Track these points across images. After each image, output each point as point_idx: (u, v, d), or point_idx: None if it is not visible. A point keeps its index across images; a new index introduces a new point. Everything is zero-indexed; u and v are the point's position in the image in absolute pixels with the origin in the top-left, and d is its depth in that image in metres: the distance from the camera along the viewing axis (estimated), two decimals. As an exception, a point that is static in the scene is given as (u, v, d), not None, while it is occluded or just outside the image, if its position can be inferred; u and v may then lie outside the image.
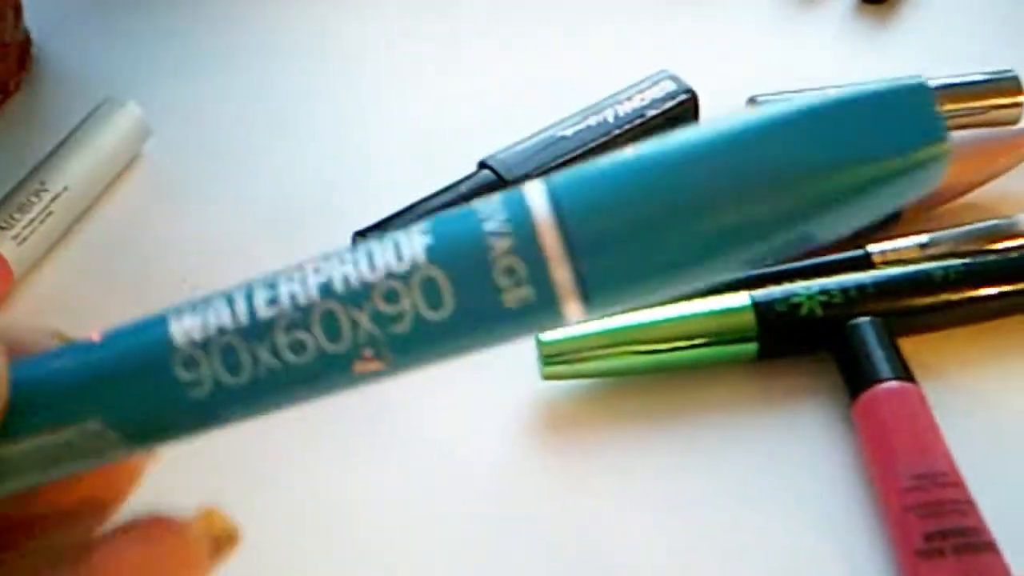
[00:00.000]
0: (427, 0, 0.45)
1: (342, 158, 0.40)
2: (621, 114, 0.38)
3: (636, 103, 0.38)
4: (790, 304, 0.31)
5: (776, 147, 0.16)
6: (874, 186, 0.16)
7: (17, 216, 0.36)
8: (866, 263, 0.33)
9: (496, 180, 0.36)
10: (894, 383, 0.30)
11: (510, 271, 0.16)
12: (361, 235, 0.35)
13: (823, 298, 0.31)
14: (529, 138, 0.38)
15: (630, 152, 0.17)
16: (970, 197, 0.36)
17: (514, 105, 0.40)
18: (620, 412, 0.32)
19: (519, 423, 0.32)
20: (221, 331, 0.17)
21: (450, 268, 0.17)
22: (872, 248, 0.33)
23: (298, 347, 0.17)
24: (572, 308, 0.17)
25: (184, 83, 0.43)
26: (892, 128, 0.16)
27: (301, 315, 0.16)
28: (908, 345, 0.31)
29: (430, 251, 0.17)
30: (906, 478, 0.28)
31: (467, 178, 0.37)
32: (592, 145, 0.37)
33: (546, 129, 0.38)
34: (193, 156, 0.41)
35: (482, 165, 0.37)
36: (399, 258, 0.17)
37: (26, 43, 0.44)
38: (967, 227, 0.34)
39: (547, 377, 0.32)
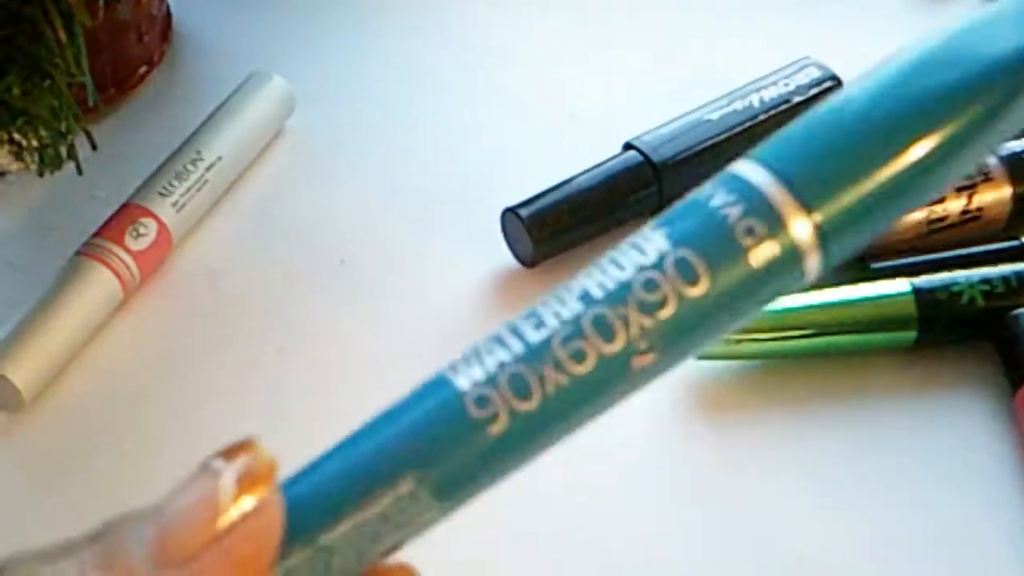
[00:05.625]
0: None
1: (489, 138, 0.40)
2: (766, 99, 0.38)
3: (781, 89, 0.39)
4: (951, 292, 0.31)
5: (934, 75, 0.18)
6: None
7: (175, 183, 0.37)
8: (1020, 254, 0.33)
9: (642, 160, 0.37)
10: (1058, 374, 0.29)
11: (750, 230, 0.17)
12: (511, 211, 0.36)
13: (984, 287, 0.31)
14: (674, 120, 0.38)
15: (821, 108, 0.18)
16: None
17: (659, 89, 0.40)
18: (773, 395, 0.32)
19: (673, 402, 0.32)
20: (502, 365, 0.17)
21: (695, 243, 0.17)
22: (1027, 239, 0.33)
23: (578, 356, 0.17)
24: (812, 260, 0.17)
25: (319, 57, 0.44)
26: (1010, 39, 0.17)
27: (572, 327, 0.17)
28: (1070, 337, 0.31)
29: (671, 238, 0.17)
30: (1075, 469, 0.28)
31: (613, 158, 0.37)
32: (737, 129, 0.37)
33: (692, 112, 0.38)
34: (334, 130, 0.41)
35: (628, 146, 0.37)
36: (643, 253, 0.17)
37: (168, 16, 0.45)
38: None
39: (702, 357, 0.32)
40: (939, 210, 0.34)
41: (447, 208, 0.38)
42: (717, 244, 0.17)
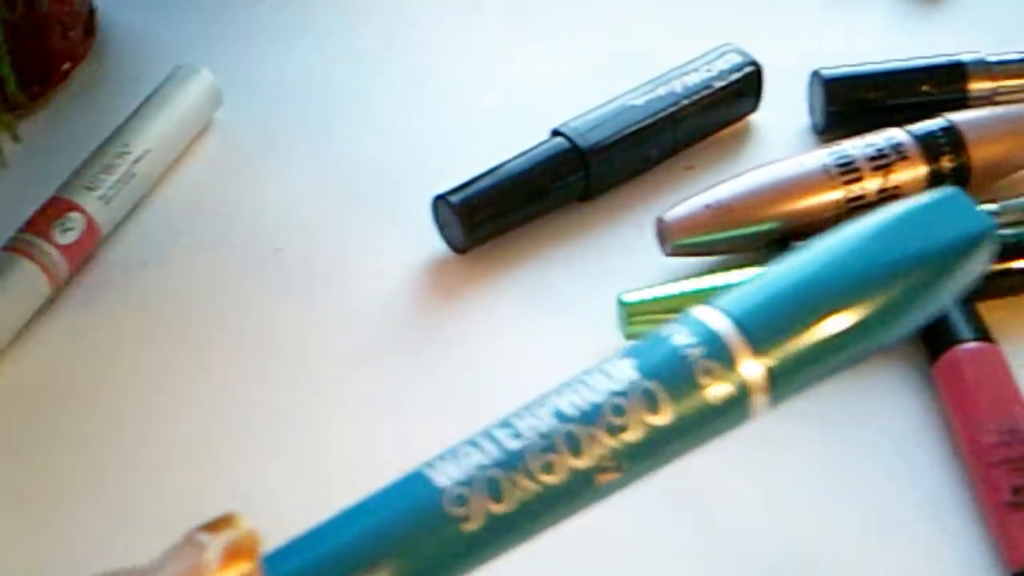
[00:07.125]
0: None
1: (418, 126, 0.41)
2: (689, 84, 0.39)
3: (703, 75, 0.39)
4: (869, 267, 0.32)
5: (876, 253, 0.21)
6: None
7: (103, 177, 0.36)
8: (937, 230, 0.34)
9: (569, 146, 0.37)
10: (974, 344, 0.30)
11: (708, 370, 0.20)
12: (441, 198, 0.36)
13: (901, 262, 0.32)
14: (600, 107, 0.38)
15: (779, 266, 0.21)
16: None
17: (585, 77, 0.41)
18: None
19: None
20: (480, 467, 0.19)
21: (661, 377, 0.20)
22: (943, 215, 0.34)
23: (549, 467, 0.19)
24: (760, 399, 0.20)
25: (246, 49, 0.44)
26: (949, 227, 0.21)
27: (545, 441, 0.19)
28: (984, 309, 0.32)
29: (640, 369, 0.20)
30: (991, 435, 0.29)
31: (541, 144, 0.38)
32: (661, 115, 0.38)
33: (617, 98, 0.39)
34: (263, 121, 0.41)
35: (555, 133, 0.38)
36: (612, 379, 0.20)
37: (92, 11, 0.45)
38: (1034, 196, 0.35)
39: (630, 337, 0.32)
40: (856, 189, 0.34)
41: (378, 196, 0.38)
42: (679, 380, 0.20)
